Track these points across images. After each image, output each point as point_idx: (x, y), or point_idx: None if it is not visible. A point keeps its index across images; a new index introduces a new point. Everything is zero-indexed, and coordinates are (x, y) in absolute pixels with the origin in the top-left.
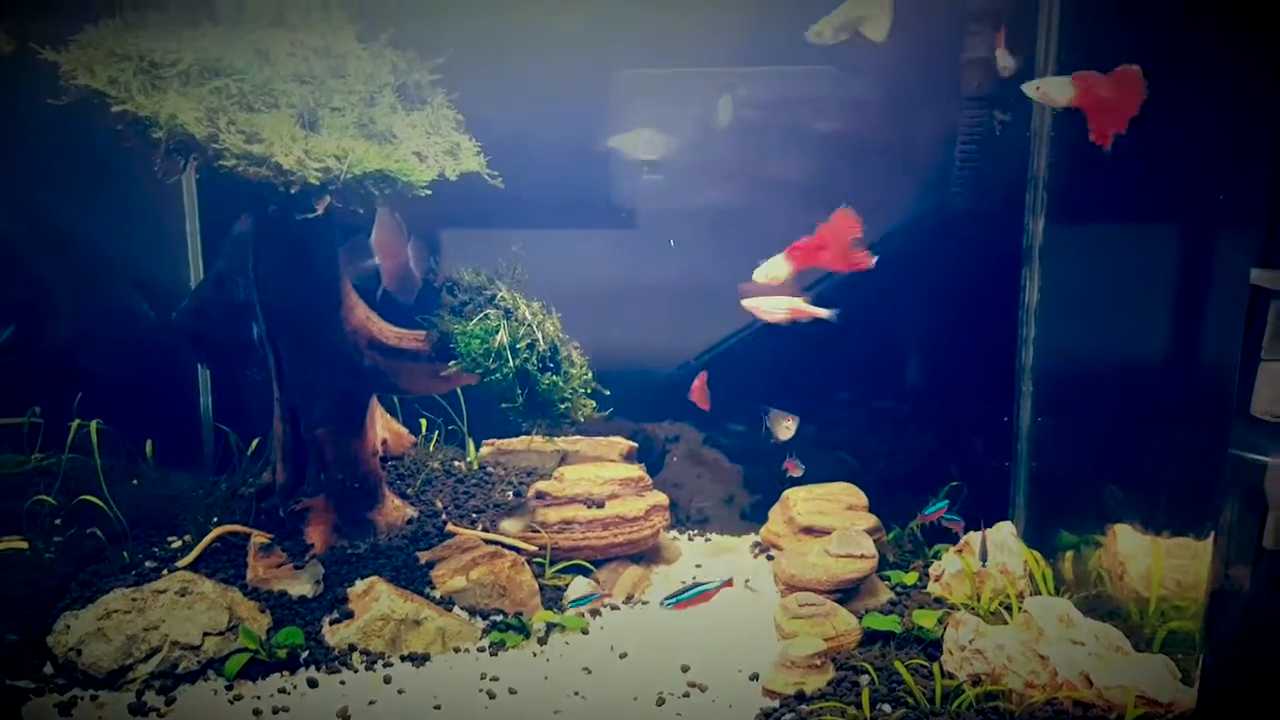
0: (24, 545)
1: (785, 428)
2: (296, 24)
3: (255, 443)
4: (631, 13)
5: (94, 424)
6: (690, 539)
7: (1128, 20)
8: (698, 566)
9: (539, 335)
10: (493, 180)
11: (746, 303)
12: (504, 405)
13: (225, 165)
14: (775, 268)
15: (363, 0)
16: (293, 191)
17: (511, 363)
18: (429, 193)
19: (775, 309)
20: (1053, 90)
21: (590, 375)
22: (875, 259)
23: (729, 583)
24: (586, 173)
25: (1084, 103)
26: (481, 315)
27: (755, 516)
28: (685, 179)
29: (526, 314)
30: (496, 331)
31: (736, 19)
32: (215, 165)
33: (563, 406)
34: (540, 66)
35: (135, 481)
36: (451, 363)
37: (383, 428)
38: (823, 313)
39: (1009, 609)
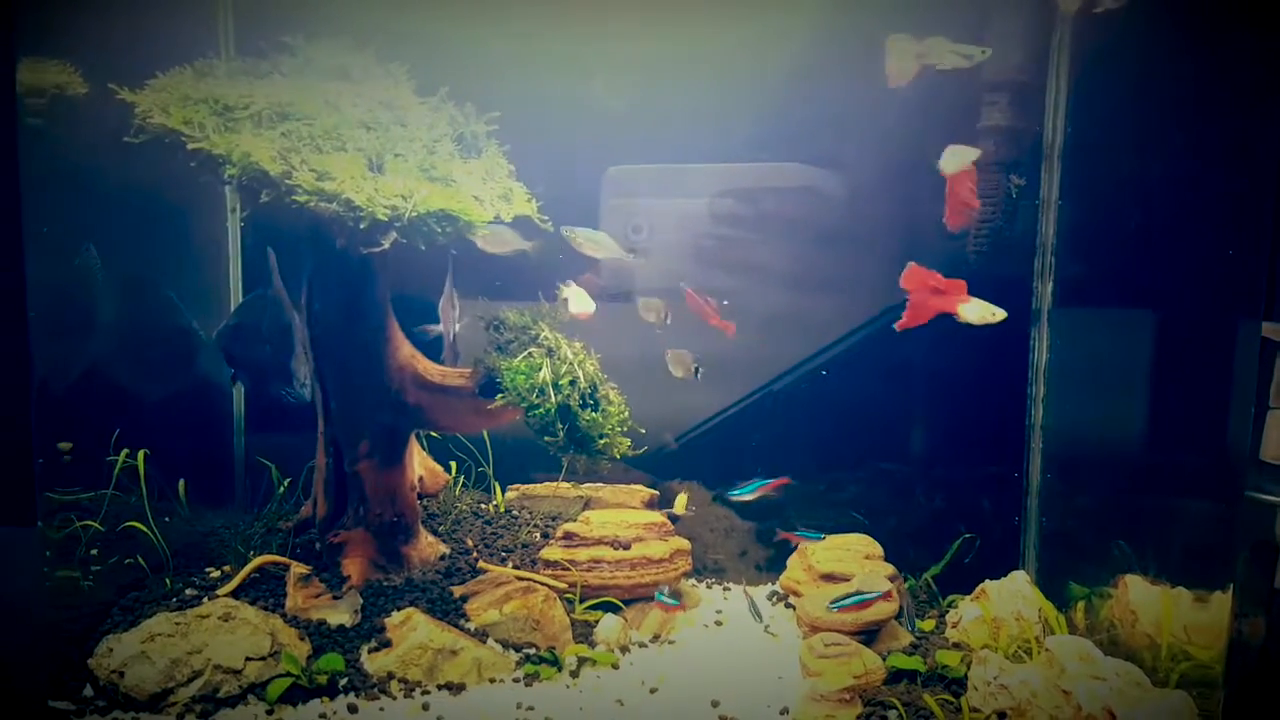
0: (74, 574)
1: (683, 365)
2: (360, 77)
3: (288, 482)
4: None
5: (141, 454)
6: (709, 587)
7: (1131, 90)
8: (718, 611)
9: (580, 373)
10: (543, 224)
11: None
12: (545, 439)
13: (297, 200)
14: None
15: (421, 59)
16: (361, 227)
17: (554, 398)
18: (488, 232)
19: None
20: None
21: (627, 414)
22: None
23: (888, 595)
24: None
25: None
26: (526, 353)
27: (770, 568)
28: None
29: (568, 353)
30: (540, 368)
31: (763, 93)
32: (287, 200)
33: (601, 443)
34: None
35: (168, 519)
36: (498, 396)
37: (419, 464)
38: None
39: (1028, 652)
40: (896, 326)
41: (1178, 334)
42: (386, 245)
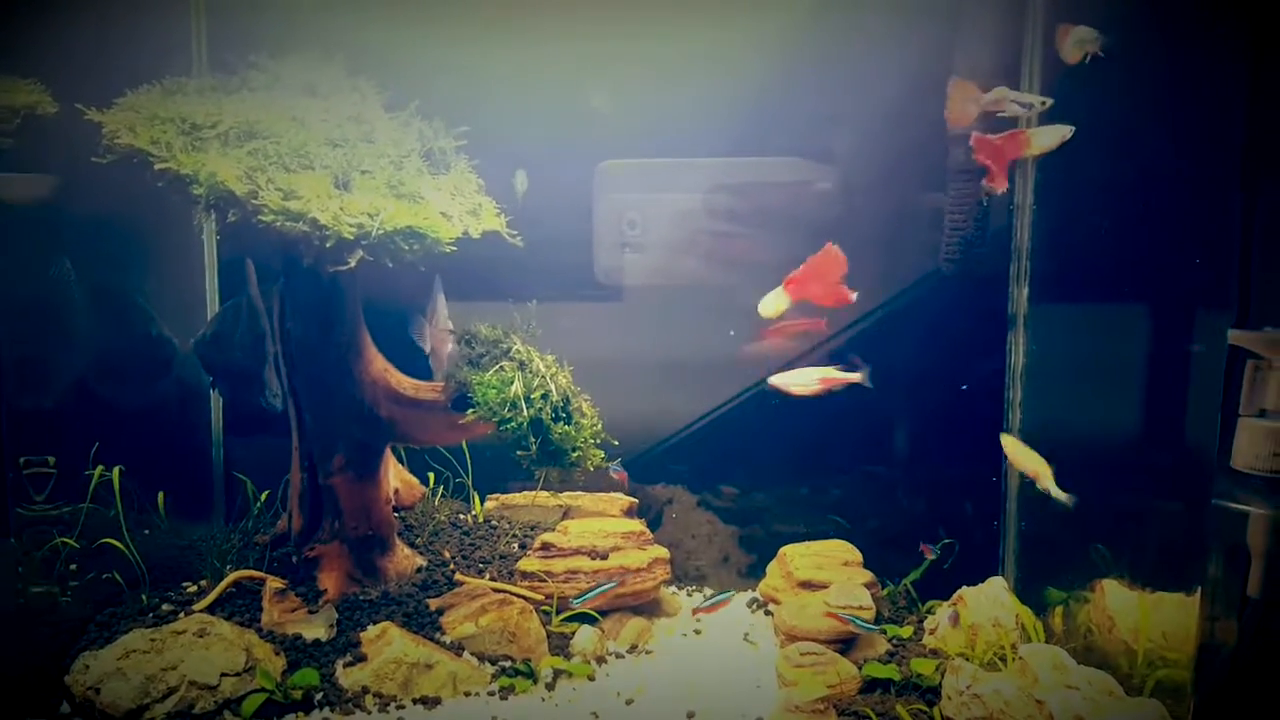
0: (51, 590)
1: (441, 337)
2: (328, 93)
3: (265, 495)
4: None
5: (116, 470)
6: (689, 594)
7: (1105, 94)
8: (697, 620)
9: (552, 387)
10: (512, 239)
11: (775, 380)
12: (518, 453)
13: (264, 220)
14: (777, 300)
15: (389, 72)
16: (328, 245)
17: (526, 412)
18: (454, 249)
19: (806, 383)
20: (771, 302)
21: (600, 426)
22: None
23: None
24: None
25: (799, 296)
26: (497, 367)
27: (751, 574)
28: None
29: (540, 366)
30: (512, 382)
31: (741, 97)
32: (254, 220)
33: (574, 455)
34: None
35: (146, 532)
36: (469, 411)
37: (395, 477)
38: (855, 377)
39: (1003, 660)
40: (996, 190)
41: (1155, 337)
42: (353, 264)
